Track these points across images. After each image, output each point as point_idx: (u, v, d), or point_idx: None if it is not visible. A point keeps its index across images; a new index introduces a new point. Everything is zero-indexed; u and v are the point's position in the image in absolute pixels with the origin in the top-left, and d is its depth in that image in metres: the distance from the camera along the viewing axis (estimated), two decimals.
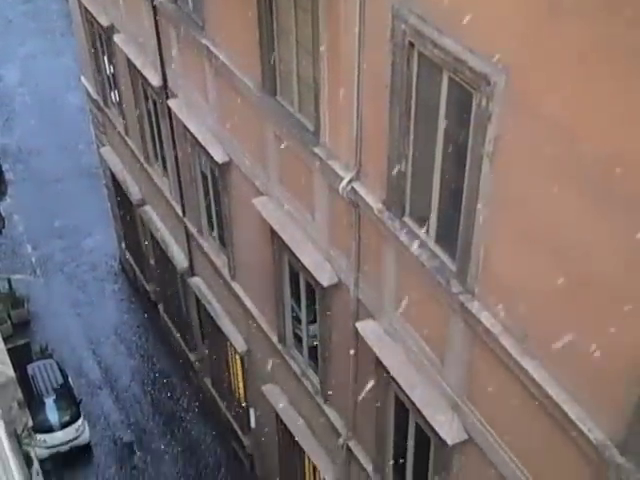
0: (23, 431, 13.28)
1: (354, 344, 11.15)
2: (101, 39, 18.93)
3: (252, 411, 17.05)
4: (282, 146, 11.41)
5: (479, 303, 8.19)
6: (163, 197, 18.04)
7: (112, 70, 19.18)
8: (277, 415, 14.95)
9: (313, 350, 13.15)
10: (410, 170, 8.76)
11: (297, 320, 13.45)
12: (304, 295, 12.71)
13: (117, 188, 21.81)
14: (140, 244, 21.77)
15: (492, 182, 7.37)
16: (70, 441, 19.55)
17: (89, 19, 19.05)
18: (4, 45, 34.35)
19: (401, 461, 11.26)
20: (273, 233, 12.33)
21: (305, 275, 12.05)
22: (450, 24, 7.15)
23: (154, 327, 22.88)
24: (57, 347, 21.97)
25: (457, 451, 9.45)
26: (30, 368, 20.34)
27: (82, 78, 21.91)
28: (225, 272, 15.54)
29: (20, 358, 18.13)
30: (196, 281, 17.69)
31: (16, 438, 12.28)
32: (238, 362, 17.08)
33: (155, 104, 16.63)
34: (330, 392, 12.83)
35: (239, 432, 18.39)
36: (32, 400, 18.91)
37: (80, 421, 19.73)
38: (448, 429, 9.23)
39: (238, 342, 16.18)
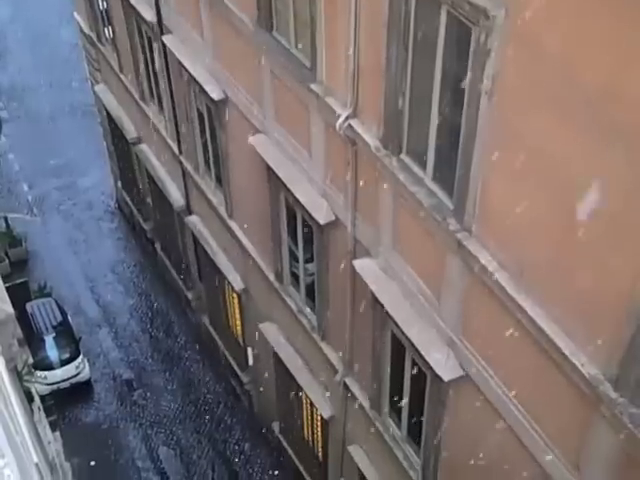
0: (23, 368, 13.42)
1: (351, 282, 11.20)
2: None
3: (250, 349, 17.20)
4: (278, 83, 11.29)
5: (476, 241, 8.21)
6: (159, 135, 17.89)
7: (105, 5, 18.85)
8: (274, 352, 15.10)
9: (310, 288, 13.21)
10: (407, 107, 8.68)
11: (294, 258, 13.48)
12: (301, 233, 12.72)
13: (112, 126, 21.63)
14: (136, 183, 21.68)
15: (490, 119, 7.31)
16: (70, 378, 19.73)
17: None
18: None
19: (397, 397, 11.41)
20: (269, 171, 12.26)
21: (302, 213, 12.04)
22: None
23: (151, 265, 22.96)
24: (55, 285, 22.04)
25: (453, 387, 9.58)
26: (29, 306, 20.42)
27: (75, 13, 21.53)
28: (222, 210, 15.52)
29: (18, 296, 18.14)
30: (193, 219, 17.67)
31: (17, 375, 12.42)
32: (235, 300, 17.17)
33: (150, 40, 16.36)
34: (327, 329, 12.94)
35: (237, 369, 18.57)
36: (32, 338, 18.99)
37: (80, 358, 19.89)
38: (444, 365, 9.33)
39: (235, 280, 16.25)
